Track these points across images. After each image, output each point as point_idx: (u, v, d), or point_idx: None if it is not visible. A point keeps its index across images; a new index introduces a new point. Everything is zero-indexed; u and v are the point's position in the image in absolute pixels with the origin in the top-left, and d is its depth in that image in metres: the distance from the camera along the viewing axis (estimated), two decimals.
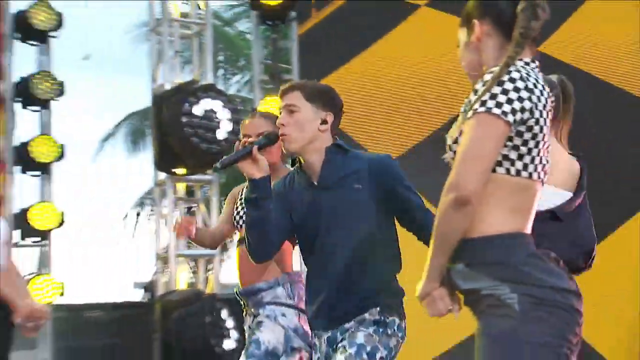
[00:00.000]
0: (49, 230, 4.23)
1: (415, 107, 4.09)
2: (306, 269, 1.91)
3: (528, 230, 1.21)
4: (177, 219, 3.06)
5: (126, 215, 8.74)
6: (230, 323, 4.10)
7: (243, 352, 2.23)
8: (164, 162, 4.47)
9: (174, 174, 4.51)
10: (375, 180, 1.76)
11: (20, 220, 4.06)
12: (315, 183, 1.79)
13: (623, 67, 3.72)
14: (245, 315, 2.26)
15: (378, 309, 1.72)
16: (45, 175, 4.28)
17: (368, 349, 1.67)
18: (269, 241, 1.80)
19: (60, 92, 4.32)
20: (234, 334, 4.16)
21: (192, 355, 4.25)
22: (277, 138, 1.77)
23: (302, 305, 2.24)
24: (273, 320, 2.25)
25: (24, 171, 4.16)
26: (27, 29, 4.27)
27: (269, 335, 2.21)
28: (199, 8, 4.47)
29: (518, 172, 1.17)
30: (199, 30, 4.53)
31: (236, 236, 2.41)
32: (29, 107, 4.31)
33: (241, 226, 2.17)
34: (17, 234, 4.12)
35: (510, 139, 1.15)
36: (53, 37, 4.37)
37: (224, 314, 4.12)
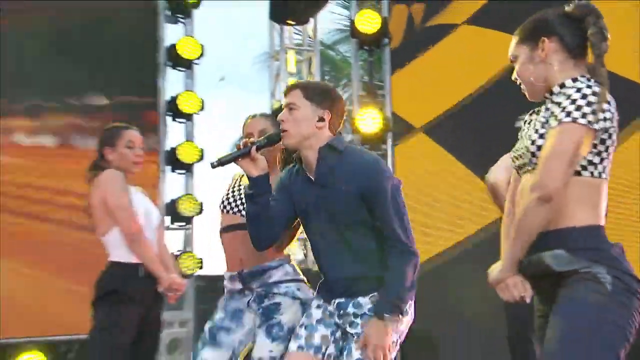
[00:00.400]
0: (192, 217, 4.88)
1: None
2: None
3: (603, 223, 1.32)
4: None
5: None
6: None
7: (263, 329, 2.17)
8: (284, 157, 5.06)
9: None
10: (361, 184, 1.75)
11: (170, 209, 4.72)
12: (312, 179, 1.82)
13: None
14: (232, 296, 2.23)
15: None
16: (189, 173, 4.98)
17: None
18: (268, 232, 1.88)
19: (201, 107, 4.98)
20: None
21: None
22: (277, 139, 1.84)
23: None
24: (291, 297, 2.22)
25: (173, 170, 4.84)
26: (176, 58, 4.94)
27: (290, 316, 2.18)
28: (309, 37, 5.11)
29: (599, 175, 1.28)
30: (309, 56, 5.15)
31: (220, 222, 2.33)
32: (177, 120, 5.00)
33: (227, 212, 2.19)
34: (167, 220, 4.70)
35: (594, 145, 1.24)
36: (196, 64, 5.05)
37: None
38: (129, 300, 2.46)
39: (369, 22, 4.42)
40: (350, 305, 1.76)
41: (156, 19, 4.88)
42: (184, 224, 4.89)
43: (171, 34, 5.01)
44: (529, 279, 1.34)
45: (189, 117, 5.01)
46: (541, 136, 1.30)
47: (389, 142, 4.51)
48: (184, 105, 4.89)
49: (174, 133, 5.03)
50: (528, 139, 1.35)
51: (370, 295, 1.74)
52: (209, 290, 4.95)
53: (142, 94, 4.93)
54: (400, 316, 1.70)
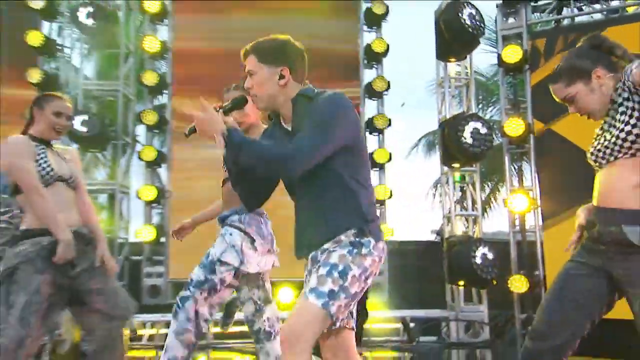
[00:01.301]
0: (384, 200, 6.20)
1: None
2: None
3: None
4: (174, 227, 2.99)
5: (427, 192, 13.30)
6: (490, 255, 5.18)
7: None
8: (446, 159, 5.87)
9: (452, 166, 5.95)
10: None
11: None
12: (290, 130, 1.75)
13: None
14: None
15: (353, 231, 1.63)
16: (382, 170, 6.40)
17: (340, 267, 1.57)
18: (255, 191, 1.85)
19: (389, 124, 6.44)
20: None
21: (459, 270, 5.32)
22: (243, 102, 1.82)
23: (251, 232, 2.46)
24: (222, 237, 2.48)
25: (370, 168, 6.41)
26: (371, 92, 6.50)
27: (216, 249, 2.44)
28: (466, 68, 6.16)
29: None
30: (466, 82, 6.12)
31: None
32: (372, 133, 6.53)
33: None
34: None
35: None
36: (385, 94, 6.50)
37: (485, 250, 5.18)
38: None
39: (513, 54, 5.40)
40: (319, 251, 1.67)
41: (359, 66, 6.58)
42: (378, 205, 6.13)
43: (368, 74, 6.64)
44: (598, 243, 1.68)
45: (381, 131, 6.47)
46: (634, 125, 1.57)
47: (531, 142, 5.32)
48: (377, 123, 6.41)
49: (371, 143, 6.47)
50: (616, 131, 1.61)
51: (334, 239, 1.63)
52: (397, 252, 6.31)
53: None
54: (225, 146, 1.59)
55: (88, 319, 2.51)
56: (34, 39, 5.96)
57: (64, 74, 6.43)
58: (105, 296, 2.48)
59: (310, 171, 1.64)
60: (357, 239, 1.63)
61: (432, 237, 8.47)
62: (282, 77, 1.72)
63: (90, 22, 5.98)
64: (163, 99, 6.78)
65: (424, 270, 6.44)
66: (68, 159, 2.65)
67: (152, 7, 6.28)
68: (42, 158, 2.49)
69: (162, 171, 6.63)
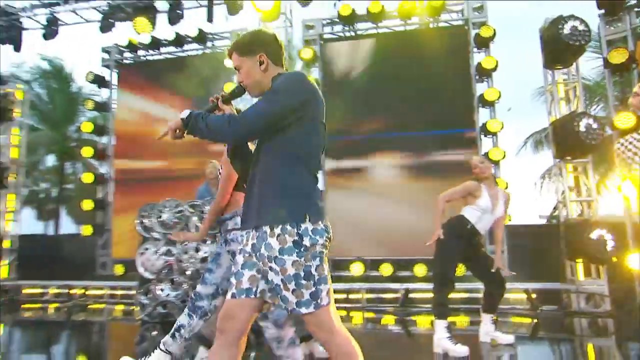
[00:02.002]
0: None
1: None
2: None
3: None
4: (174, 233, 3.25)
5: (535, 183, 14.47)
6: (607, 235, 5.15)
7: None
8: (559, 153, 6.10)
9: (565, 158, 6.12)
10: None
11: None
12: None
13: None
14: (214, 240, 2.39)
15: (290, 227, 1.53)
16: (497, 166, 6.51)
17: (301, 274, 1.50)
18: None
19: (502, 127, 6.59)
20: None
21: (577, 249, 5.38)
22: (240, 92, 1.75)
23: None
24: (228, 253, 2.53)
25: None
26: (484, 102, 6.70)
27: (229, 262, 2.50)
28: (573, 73, 6.23)
29: None
30: (573, 85, 6.23)
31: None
32: (487, 136, 6.73)
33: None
34: None
35: None
36: (497, 103, 6.69)
37: (602, 231, 5.19)
38: None
39: (619, 56, 5.56)
40: (263, 245, 1.55)
41: (470, 79, 7.00)
42: None
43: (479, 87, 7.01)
44: None
45: (494, 134, 6.76)
46: None
47: None
48: (490, 127, 6.69)
49: (486, 144, 6.88)
50: None
51: (276, 227, 1.53)
52: (509, 232, 6.46)
53: (463, 123, 6.89)
54: (185, 128, 1.60)
55: None
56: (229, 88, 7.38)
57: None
58: None
59: (260, 144, 1.66)
60: (297, 238, 1.52)
61: (542, 221, 8.58)
62: (262, 62, 1.71)
63: None
64: None
65: (538, 249, 6.40)
66: None
67: (306, 53, 7.35)
68: None
69: None
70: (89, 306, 6.45)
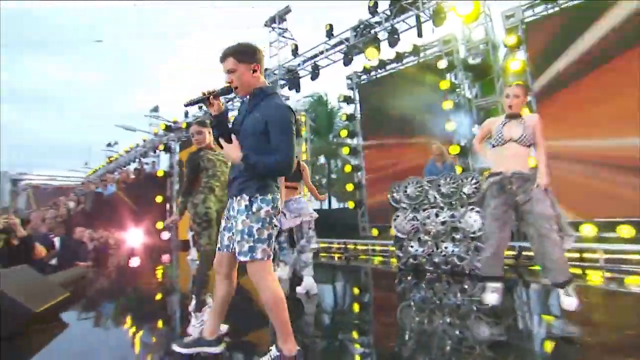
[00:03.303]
0: None
1: None
2: None
3: None
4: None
5: None
6: None
7: None
8: None
9: None
10: (265, 119, 1.68)
11: None
12: (249, 110, 1.78)
13: None
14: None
15: (245, 196, 1.71)
16: None
17: (246, 231, 1.68)
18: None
19: None
20: None
21: None
22: (229, 91, 1.75)
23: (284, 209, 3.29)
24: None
25: None
26: None
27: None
28: None
29: None
30: None
31: None
32: None
33: None
34: None
35: None
36: None
37: None
38: None
39: None
40: (231, 209, 1.76)
41: None
42: None
43: None
44: None
45: None
46: None
47: None
48: None
49: None
50: None
51: (237, 196, 1.74)
52: None
53: None
54: (243, 161, 1.69)
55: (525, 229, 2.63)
56: (444, 86, 7.24)
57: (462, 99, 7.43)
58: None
59: (250, 148, 1.74)
60: (248, 203, 1.71)
61: None
62: (254, 71, 1.75)
63: (474, 62, 6.77)
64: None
65: None
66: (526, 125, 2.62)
67: (510, 41, 6.51)
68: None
69: None
70: (359, 257, 7.31)
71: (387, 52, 8.53)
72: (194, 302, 2.58)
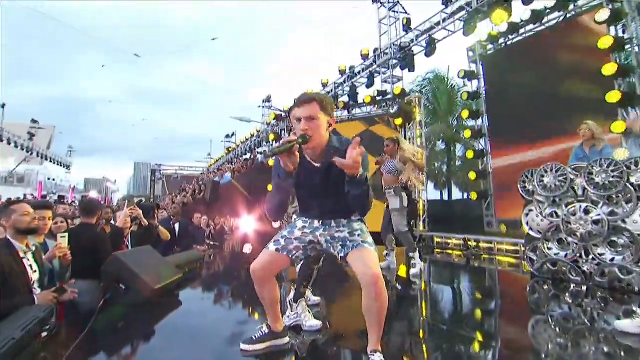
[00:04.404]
0: None
1: None
2: None
3: None
4: None
5: None
6: None
7: None
8: None
9: None
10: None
11: None
12: (318, 166, 1.77)
13: None
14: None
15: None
16: None
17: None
18: (285, 207, 1.77)
19: None
20: None
21: None
22: (307, 140, 1.63)
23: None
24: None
25: None
26: None
27: None
28: None
29: None
30: None
31: None
32: None
33: None
34: None
35: None
36: None
37: None
38: None
39: None
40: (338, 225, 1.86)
41: None
42: None
43: None
44: None
45: None
46: None
47: None
48: None
49: None
50: None
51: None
52: None
53: None
54: (357, 179, 1.59)
55: None
56: (605, 44, 5.94)
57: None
58: None
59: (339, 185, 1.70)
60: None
61: None
62: (330, 125, 1.72)
63: None
64: None
65: None
66: None
67: None
68: None
69: None
70: (482, 256, 6.61)
71: (519, 13, 7.22)
72: (292, 292, 2.63)
